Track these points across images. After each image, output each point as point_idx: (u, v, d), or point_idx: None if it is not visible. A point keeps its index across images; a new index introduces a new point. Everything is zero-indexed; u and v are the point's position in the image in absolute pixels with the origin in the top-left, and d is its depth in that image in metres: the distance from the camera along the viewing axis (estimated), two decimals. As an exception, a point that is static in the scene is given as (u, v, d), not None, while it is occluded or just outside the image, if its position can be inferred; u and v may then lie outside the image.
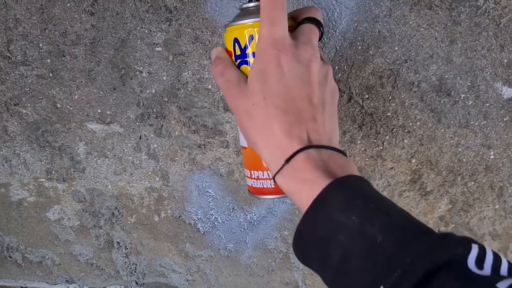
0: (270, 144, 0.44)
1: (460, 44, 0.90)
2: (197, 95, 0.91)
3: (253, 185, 0.56)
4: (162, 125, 0.93)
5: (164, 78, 0.89)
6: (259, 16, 0.46)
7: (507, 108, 0.98)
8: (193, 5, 0.83)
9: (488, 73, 0.93)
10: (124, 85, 0.89)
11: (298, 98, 0.44)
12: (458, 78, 0.94)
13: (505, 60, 0.92)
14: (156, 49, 0.86)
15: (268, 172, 0.52)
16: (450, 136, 1.00)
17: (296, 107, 0.44)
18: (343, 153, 0.48)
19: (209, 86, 0.91)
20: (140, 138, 0.95)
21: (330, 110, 0.49)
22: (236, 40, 0.49)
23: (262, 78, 0.45)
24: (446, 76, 0.93)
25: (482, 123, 0.98)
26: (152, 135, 0.94)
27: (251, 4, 0.51)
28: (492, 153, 1.03)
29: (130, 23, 0.84)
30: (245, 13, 0.50)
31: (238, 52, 0.49)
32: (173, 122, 0.93)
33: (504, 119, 0.99)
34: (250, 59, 0.48)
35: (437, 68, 0.92)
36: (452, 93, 0.95)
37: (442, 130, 0.99)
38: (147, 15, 0.83)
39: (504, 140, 1.01)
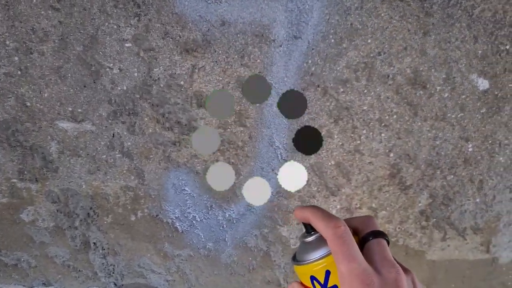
0: None
1: (433, 36, 0.90)
2: (170, 91, 0.90)
3: None
4: (135, 123, 0.92)
5: (135, 74, 0.88)
6: (326, 250, 0.48)
7: (483, 100, 0.97)
8: (162, -1, 0.82)
9: (463, 64, 0.93)
10: (94, 82, 0.88)
11: None
12: (433, 70, 0.93)
13: (479, 51, 0.92)
14: (126, 45, 0.85)
15: None
16: (428, 129, 0.99)
17: None
18: None
19: (181, 82, 0.90)
20: (113, 136, 0.93)
21: None
22: (313, 278, 0.50)
23: None
24: (421, 69, 0.92)
25: (459, 115, 0.98)
26: (125, 133, 0.93)
27: (312, 238, 0.51)
28: (470, 145, 1.02)
29: (98, 19, 0.83)
30: (309, 248, 0.51)
31: None
32: (146, 119, 0.92)
33: (481, 111, 0.98)
34: None
35: (411, 60, 0.91)
36: (428, 86, 0.95)
37: (419, 123, 0.99)
38: (115, 10, 0.82)
39: (482, 132, 1.00)
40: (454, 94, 0.96)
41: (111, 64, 0.86)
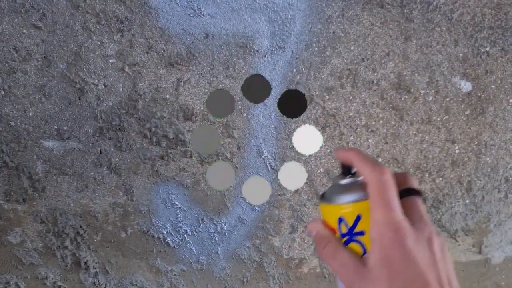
0: None
1: (414, 41, 0.91)
2: (156, 105, 0.90)
3: None
4: (122, 138, 0.92)
5: (121, 89, 0.87)
6: (363, 195, 0.47)
7: (467, 101, 0.98)
8: (144, 14, 0.82)
9: (445, 68, 0.94)
10: (79, 99, 0.88)
11: (427, 282, 0.45)
12: (416, 74, 0.94)
13: (461, 54, 0.93)
14: (110, 60, 0.85)
15: None
16: (414, 133, 1.00)
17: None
18: None
19: (167, 96, 0.89)
20: (100, 153, 0.93)
21: (455, 282, 0.50)
22: (341, 219, 0.48)
23: (388, 264, 0.45)
24: (404, 73, 0.94)
25: (444, 118, 0.99)
26: (112, 149, 0.92)
27: (348, 181, 0.49)
28: (457, 147, 1.03)
29: (81, 36, 0.82)
30: (344, 190, 0.49)
31: (344, 230, 0.49)
32: (133, 134, 0.91)
33: (466, 113, 0.99)
34: (359, 238, 0.48)
35: (394, 65, 0.93)
36: (412, 90, 0.96)
37: (406, 127, 0.99)
38: (98, 27, 0.82)
39: (467, 134, 1.01)
40: (438, 97, 0.97)
41: (96, 81, 0.86)
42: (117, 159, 0.94)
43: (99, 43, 0.83)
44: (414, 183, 0.50)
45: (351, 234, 0.48)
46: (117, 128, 0.91)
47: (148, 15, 0.82)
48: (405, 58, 0.92)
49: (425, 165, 1.03)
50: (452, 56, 0.92)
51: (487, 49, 0.92)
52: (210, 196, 1.00)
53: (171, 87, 0.89)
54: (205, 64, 0.89)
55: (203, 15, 0.85)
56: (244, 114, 0.94)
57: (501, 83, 0.96)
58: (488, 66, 0.93)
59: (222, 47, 0.88)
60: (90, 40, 0.83)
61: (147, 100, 0.89)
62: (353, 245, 0.48)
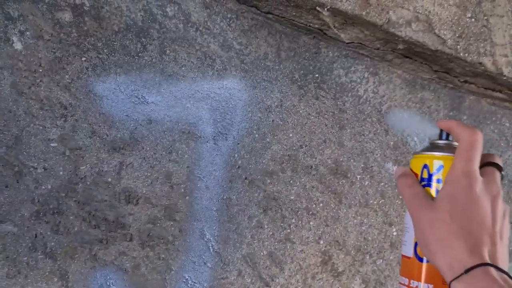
0: (450, 256, 0.50)
1: (349, 130, 0.98)
2: (97, 189, 0.90)
3: None
4: (60, 222, 0.90)
5: (61, 173, 0.87)
6: (451, 153, 0.54)
7: (400, 186, 1.04)
8: (89, 101, 0.85)
9: (378, 154, 1.00)
10: (17, 182, 0.87)
11: (483, 224, 0.51)
12: (352, 160, 1.00)
13: (391, 143, 1.00)
14: (52, 144, 0.86)
15: (429, 285, 0.58)
16: (353, 215, 1.04)
17: (480, 230, 0.50)
18: None
19: (109, 179, 0.90)
20: (35, 237, 0.90)
21: (506, 242, 0.56)
22: (425, 166, 0.56)
23: (452, 200, 0.51)
24: (341, 159, 0.99)
25: (380, 201, 1.04)
26: (48, 233, 0.90)
27: (442, 142, 0.58)
28: (394, 229, 1.07)
29: (24, 121, 0.83)
30: (436, 147, 0.58)
31: (425, 175, 0.56)
32: (71, 217, 0.90)
33: (400, 197, 1.05)
34: (435, 184, 0.55)
35: (331, 152, 0.98)
36: (349, 175, 1.01)
37: (345, 210, 1.03)
38: (41, 112, 0.84)
39: (403, 216, 1.06)
40: (374, 182, 1.02)
41: (36, 164, 0.86)
42: (53, 243, 0.91)
43: (41, 127, 0.84)
44: (499, 161, 0.57)
45: (430, 180, 0.56)
46: (55, 212, 0.89)
47: (93, 102, 0.85)
48: (341, 145, 0.98)
49: (365, 246, 1.06)
50: (384, 144, 0.99)
51: (415, 138, 1.00)
52: (150, 281, 0.98)
53: (113, 170, 0.90)
54: (148, 148, 0.91)
55: (147, 103, 0.89)
56: (187, 197, 0.96)
57: (430, 169, 1.03)
58: (416, 154, 1.00)
59: (165, 132, 0.91)
60: (32, 125, 0.84)
61: (88, 183, 0.89)
62: (428, 189, 0.55)
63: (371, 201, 1.03)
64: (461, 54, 0.84)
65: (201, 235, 0.98)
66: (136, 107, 0.88)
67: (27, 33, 0.81)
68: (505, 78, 0.87)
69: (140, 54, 0.87)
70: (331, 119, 0.95)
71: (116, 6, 0.84)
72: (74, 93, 0.84)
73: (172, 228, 0.96)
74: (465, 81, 0.94)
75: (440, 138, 0.60)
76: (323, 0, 0.78)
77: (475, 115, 1.03)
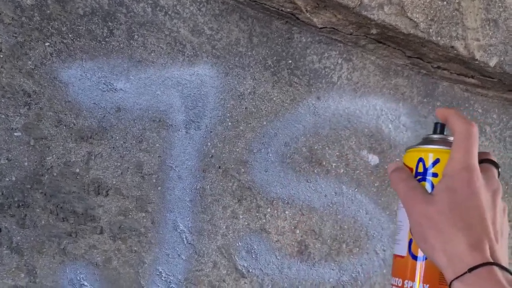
0: (451, 252, 0.48)
1: (323, 117, 0.97)
2: (64, 180, 0.87)
3: None
4: (26, 215, 0.86)
5: (26, 164, 0.84)
6: (447, 147, 0.53)
7: (376, 174, 1.04)
8: (54, 88, 0.82)
9: (353, 142, 1.00)
10: (-21, 174, 0.83)
11: (483, 218, 0.49)
12: (327, 148, 0.99)
13: (365, 130, 1.00)
14: (15, 134, 0.82)
15: (424, 285, 0.55)
16: (328, 204, 1.03)
17: (482, 225, 0.48)
18: None
19: (77, 170, 0.87)
20: (0, 231, 0.87)
21: (506, 238, 0.54)
22: (421, 159, 0.54)
23: (452, 193, 0.49)
24: (316, 147, 0.98)
25: (356, 189, 1.03)
26: (14, 227, 0.87)
27: (437, 136, 0.57)
28: (369, 218, 1.07)
29: (-16, 113, 0.80)
30: (431, 141, 0.56)
31: (420, 169, 0.54)
32: (38, 210, 0.87)
33: (375, 184, 1.04)
34: (432, 178, 0.53)
35: (306, 140, 0.97)
36: (324, 163, 1.00)
37: (321, 199, 1.02)
38: (2, 100, 0.80)
39: (378, 204, 1.05)
40: (349, 170, 1.01)
41: (-2, 155, 0.82)
42: (19, 238, 0.88)
43: (3, 116, 0.81)
44: (495, 159, 0.56)
45: (426, 174, 0.54)
46: (20, 204, 0.86)
47: (58, 89, 0.82)
48: (316, 133, 0.96)
49: (341, 235, 1.05)
50: (359, 131, 0.98)
51: (389, 125, 0.99)
52: (122, 275, 0.95)
53: (81, 161, 0.87)
54: (117, 137, 0.88)
55: (116, 90, 0.86)
56: (159, 188, 0.93)
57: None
58: (391, 141, 1.00)
59: (135, 121, 0.88)
60: (-7, 113, 0.80)
61: (55, 174, 0.86)
62: (424, 183, 0.54)
63: (346, 190, 1.02)
64: (434, 38, 0.83)
65: (175, 227, 0.96)
66: (104, 94, 0.85)
67: (-14, 16, 0.77)
68: (477, 62, 0.87)
69: (107, 39, 0.84)
70: (305, 106, 0.94)
71: (81, -11, 0.81)
72: (38, 80, 0.81)
73: (144, 220, 0.94)
74: (438, 67, 0.94)
75: (435, 132, 0.58)
76: (295, -18, 0.76)
77: (449, 101, 1.03)
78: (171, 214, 0.95)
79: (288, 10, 0.85)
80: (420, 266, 0.55)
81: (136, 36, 0.85)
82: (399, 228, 0.57)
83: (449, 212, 0.49)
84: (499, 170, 0.55)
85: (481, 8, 0.84)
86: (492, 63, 0.87)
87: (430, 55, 0.89)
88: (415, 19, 0.82)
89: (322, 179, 1.00)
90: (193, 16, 0.87)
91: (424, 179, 0.54)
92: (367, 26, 0.84)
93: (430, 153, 0.54)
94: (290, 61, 0.92)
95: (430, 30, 0.83)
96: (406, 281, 0.56)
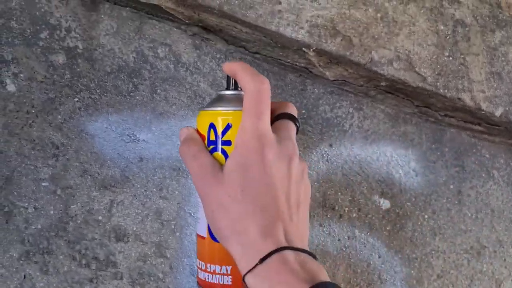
0: (244, 241, 0.43)
1: (335, 163, 1.00)
2: (87, 227, 0.90)
3: (206, 279, 0.51)
4: (49, 262, 0.89)
5: (52, 212, 0.87)
6: (239, 106, 0.46)
7: (387, 218, 1.06)
8: (80, 140, 0.86)
9: (365, 187, 1.03)
10: (7, 222, 0.86)
11: (277, 197, 0.44)
12: (339, 193, 1.02)
13: (377, 175, 1.03)
14: (43, 184, 0.86)
15: (227, 267, 0.49)
16: (342, 248, 1.05)
17: (275, 206, 0.43)
18: (314, 256, 0.47)
19: (100, 217, 0.90)
20: (24, 278, 0.89)
21: (304, 209, 0.50)
22: (212, 126, 0.47)
23: (243, 170, 0.44)
24: (328, 193, 1.01)
25: (368, 233, 1.05)
26: (37, 273, 0.89)
27: (230, 92, 0.50)
28: (382, 261, 1.08)
29: (15, 161, 0.84)
30: (223, 99, 0.49)
31: (212, 137, 0.48)
32: (61, 257, 0.90)
33: (387, 228, 1.07)
34: (225, 147, 0.47)
35: (319, 186, 1.00)
36: (336, 208, 1.03)
37: (334, 243, 1.05)
38: (32, 152, 0.84)
39: (390, 247, 1.07)
40: (361, 214, 1.04)
41: (26, 204, 0.86)
42: (42, 284, 0.90)
43: (32, 167, 0.85)
44: (293, 111, 0.50)
45: (218, 143, 0.47)
46: (45, 251, 0.89)
47: (84, 141, 0.86)
48: (328, 179, 1.00)
49: (355, 279, 1.07)
50: (370, 177, 1.02)
51: (399, 171, 1.03)
52: (141, 320, 0.97)
53: (104, 208, 0.90)
54: (139, 186, 0.92)
55: (138, 141, 0.90)
56: (177, 234, 0.96)
57: (415, 200, 1.06)
58: (401, 186, 1.03)
59: (156, 170, 0.92)
60: (23, 165, 0.84)
61: (79, 222, 0.89)
62: (217, 154, 0.47)
63: (359, 234, 1.04)
64: (441, 90, 0.88)
65: (192, 272, 0.98)
66: (127, 145, 0.90)
67: (21, 75, 0.82)
68: (483, 112, 0.91)
69: (131, 94, 0.89)
70: (318, 153, 0.98)
71: (109, 49, 0.87)
72: (66, 133, 0.86)
73: (163, 265, 0.96)
74: (446, 115, 0.98)
75: (228, 88, 0.50)
76: (309, 42, 0.81)
77: (456, 147, 1.07)
78: (188, 259, 0.97)
79: (302, 65, 0.90)
80: (221, 248, 0.48)
81: (159, 91, 0.90)
82: (200, 205, 0.50)
83: (241, 195, 0.43)
84: (298, 124, 0.49)
85: (485, 62, 0.89)
86: (498, 113, 0.91)
87: (437, 105, 0.94)
88: (423, 74, 0.87)
89: (335, 224, 1.03)
90: (212, 71, 0.92)
91: (218, 149, 0.47)
92: (377, 79, 0.89)
93: (220, 116, 0.47)
94: (304, 111, 0.97)
95: (438, 83, 0.87)
96: (209, 264, 0.50)
